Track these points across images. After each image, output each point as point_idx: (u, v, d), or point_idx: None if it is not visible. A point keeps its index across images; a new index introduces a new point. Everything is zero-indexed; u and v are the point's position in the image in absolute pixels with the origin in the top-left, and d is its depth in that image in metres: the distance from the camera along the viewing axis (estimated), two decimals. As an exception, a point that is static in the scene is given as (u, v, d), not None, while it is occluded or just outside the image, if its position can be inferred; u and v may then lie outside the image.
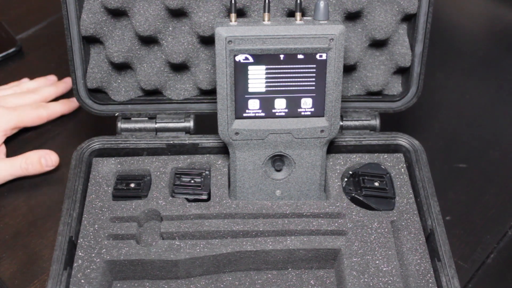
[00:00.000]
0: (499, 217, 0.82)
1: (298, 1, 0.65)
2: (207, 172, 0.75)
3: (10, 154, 0.85)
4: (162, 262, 0.68)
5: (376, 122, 0.79)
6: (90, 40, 0.76)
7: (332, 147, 0.77)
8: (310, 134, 0.70)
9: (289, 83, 0.68)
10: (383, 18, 0.74)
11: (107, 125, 0.81)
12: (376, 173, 0.75)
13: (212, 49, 0.76)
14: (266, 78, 0.67)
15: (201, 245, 0.69)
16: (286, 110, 0.69)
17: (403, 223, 0.71)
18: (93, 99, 0.77)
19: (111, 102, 0.78)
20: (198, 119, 0.79)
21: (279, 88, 0.68)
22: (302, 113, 0.69)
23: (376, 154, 0.78)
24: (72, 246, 0.68)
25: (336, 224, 0.70)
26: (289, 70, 0.67)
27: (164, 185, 0.74)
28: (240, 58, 0.66)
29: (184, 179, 0.74)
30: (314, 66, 0.67)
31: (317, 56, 0.66)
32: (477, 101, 0.98)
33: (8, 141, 0.88)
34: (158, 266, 0.68)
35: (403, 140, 0.78)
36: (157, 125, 0.78)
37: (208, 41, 0.75)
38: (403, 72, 0.79)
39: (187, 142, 0.77)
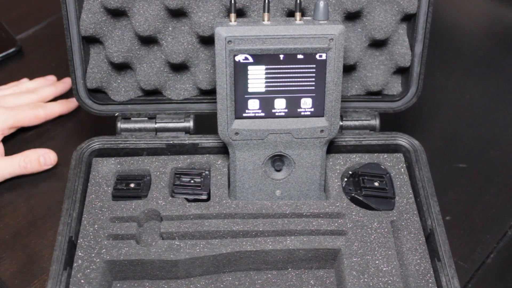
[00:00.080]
0: (499, 217, 0.82)
1: (298, 1, 0.65)
2: (207, 172, 0.75)
3: (9, 154, 0.85)
4: (162, 262, 0.68)
5: (376, 122, 0.79)
6: (90, 40, 0.76)
7: (332, 147, 0.77)
8: (310, 134, 0.70)
9: (288, 83, 0.68)
10: (383, 18, 0.74)
11: (107, 125, 0.81)
12: (376, 173, 0.75)
13: (212, 49, 0.76)
14: (266, 78, 0.67)
15: (201, 245, 0.69)
16: (286, 110, 0.69)
17: (403, 223, 0.71)
18: (93, 99, 0.77)
19: (111, 102, 0.78)
20: (198, 119, 0.79)
21: (279, 88, 0.68)
22: (302, 113, 0.69)
23: (376, 154, 0.78)
24: (72, 246, 0.68)
25: (336, 224, 0.70)
26: (288, 70, 0.67)
27: (164, 185, 0.74)
28: (239, 58, 0.66)
29: (184, 179, 0.74)
30: (314, 66, 0.67)
31: (317, 56, 0.66)
32: (477, 101, 0.98)
33: (7, 141, 0.88)
34: (158, 266, 0.68)
35: (403, 140, 0.78)
36: (157, 125, 0.78)
37: (208, 41, 0.75)
38: (403, 72, 0.79)
39: (187, 142, 0.77)
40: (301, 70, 0.67)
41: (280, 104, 0.69)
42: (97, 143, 0.77)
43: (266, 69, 0.67)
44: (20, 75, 0.97)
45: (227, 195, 0.73)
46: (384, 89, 0.79)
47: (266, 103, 0.69)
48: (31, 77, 0.96)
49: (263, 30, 0.65)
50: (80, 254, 0.68)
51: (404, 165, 0.77)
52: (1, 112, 0.86)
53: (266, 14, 0.65)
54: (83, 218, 0.71)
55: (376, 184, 0.74)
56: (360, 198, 0.73)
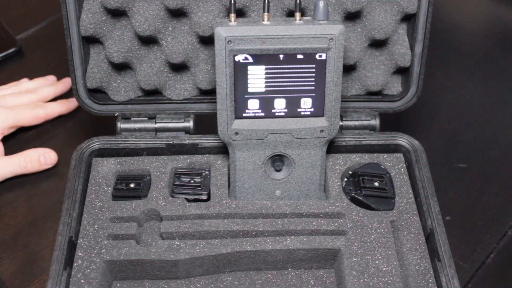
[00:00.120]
0: (499, 217, 0.82)
1: (298, 1, 0.65)
2: (207, 172, 0.75)
3: (9, 153, 0.85)
4: (162, 262, 0.68)
5: (376, 122, 0.79)
6: (90, 40, 0.76)
7: (332, 147, 0.77)
8: (309, 134, 0.70)
9: (288, 83, 0.68)
10: (383, 18, 0.74)
11: (107, 125, 0.81)
12: (376, 173, 0.75)
13: (211, 49, 0.76)
14: (266, 78, 0.67)
15: (201, 245, 0.69)
16: (286, 110, 0.69)
17: (403, 223, 0.71)
18: (93, 99, 0.77)
19: (110, 102, 0.78)
20: (198, 119, 0.79)
21: (278, 88, 0.68)
22: (302, 113, 0.69)
23: (376, 154, 0.78)
24: (72, 246, 0.68)
25: (336, 224, 0.70)
26: (288, 70, 0.67)
27: (164, 185, 0.74)
28: (239, 58, 0.66)
29: (184, 179, 0.74)
30: (314, 66, 0.67)
31: (317, 56, 0.66)
32: (477, 101, 0.98)
33: (7, 141, 0.88)
34: (158, 266, 0.68)
35: (403, 140, 0.78)
36: (157, 125, 0.78)
37: (207, 41, 0.75)
38: (403, 72, 0.79)
39: (187, 142, 0.77)
40: (301, 70, 0.67)
41: (280, 104, 0.69)
42: (97, 143, 0.77)
43: (266, 69, 0.67)
44: (20, 75, 0.97)
45: (227, 195, 0.73)
46: (384, 89, 0.79)
47: (266, 103, 0.69)
48: (31, 77, 0.96)
49: (263, 30, 0.65)
50: (80, 254, 0.68)
51: (404, 165, 0.77)
52: (1, 111, 0.86)
53: (266, 14, 0.65)
54: (83, 218, 0.71)
55: (376, 184, 0.74)
56: (360, 198, 0.73)
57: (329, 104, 0.68)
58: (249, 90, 0.68)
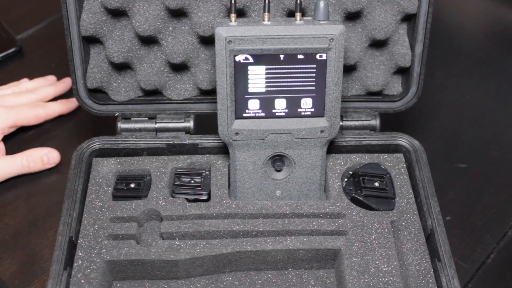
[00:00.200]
0: (499, 217, 0.82)
1: (298, 1, 0.65)
2: (207, 172, 0.75)
3: (10, 153, 0.85)
4: (162, 262, 0.68)
5: (376, 122, 0.79)
6: (90, 40, 0.76)
7: (332, 147, 0.77)
8: (310, 134, 0.70)
9: (289, 83, 0.68)
10: (383, 18, 0.74)
11: (107, 125, 0.81)
12: (376, 173, 0.75)
13: (212, 49, 0.76)
14: (266, 78, 0.67)
15: (201, 245, 0.69)
16: (286, 110, 0.69)
17: (403, 223, 0.71)
18: (93, 99, 0.77)
19: (111, 102, 0.78)
20: (198, 119, 0.79)
21: (279, 88, 0.68)
22: (302, 113, 0.69)
23: (376, 154, 0.78)
24: (72, 246, 0.68)
25: (336, 224, 0.70)
26: (289, 70, 0.67)
27: (164, 185, 0.74)
28: (240, 58, 0.66)
29: (184, 179, 0.74)
30: (314, 66, 0.67)
31: (317, 56, 0.66)
32: (477, 101, 0.98)
33: (8, 140, 0.88)
34: (158, 266, 0.68)
35: (403, 140, 0.78)
36: (157, 125, 0.78)
37: (208, 41, 0.75)
38: (403, 72, 0.79)
39: (187, 142, 0.77)
40: (302, 70, 0.67)
41: (280, 104, 0.69)
42: (97, 143, 0.77)
43: (267, 69, 0.67)
44: (20, 75, 0.97)
45: (227, 195, 0.73)
46: (384, 89, 0.79)
47: (267, 103, 0.69)
48: (31, 77, 0.96)
49: (264, 30, 0.65)
50: (80, 254, 0.68)
51: (404, 165, 0.77)
52: (1, 111, 0.86)
53: (266, 14, 0.65)
54: (83, 218, 0.71)
55: (376, 184, 0.74)
56: (360, 198, 0.73)
57: (330, 104, 0.68)
58: (250, 90, 0.68)
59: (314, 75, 0.67)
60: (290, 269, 0.71)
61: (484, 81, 1.02)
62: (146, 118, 0.79)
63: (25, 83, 0.95)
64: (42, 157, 0.84)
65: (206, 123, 0.78)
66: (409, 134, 0.79)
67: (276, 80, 0.67)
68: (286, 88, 0.68)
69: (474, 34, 1.11)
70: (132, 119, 0.79)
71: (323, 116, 0.69)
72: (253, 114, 0.69)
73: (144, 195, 0.73)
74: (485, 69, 1.04)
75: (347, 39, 0.76)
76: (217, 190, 0.73)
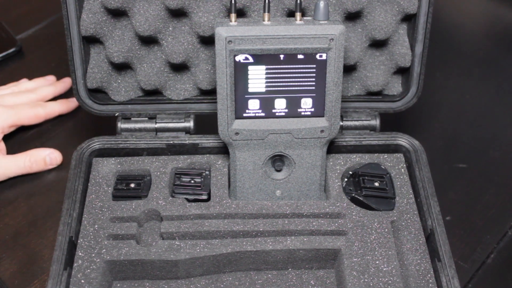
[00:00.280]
0: (499, 217, 0.82)
1: (298, 1, 0.65)
2: (207, 172, 0.75)
3: (10, 153, 0.85)
4: (162, 262, 0.68)
5: (376, 122, 0.79)
6: (90, 40, 0.76)
7: (332, 147, 0.77)
8: (310, 134, 0.70)
9: (289, 83, 0.68)
10: (383, 18, 0.74)
11: (107, 125, 0.81)
12: (376, 173, 0.75)
13: (212, 49, 0.76)
14: (266, 78, 0.67)
15: (201, 245, 0.69)
16: (286, 110, 0.69)
17: (403, 223, 0.71)
18: (93, 99, 0.77)
19: (111, 102, 0.78)
20: (198, 119, 0.79)
21: (279, 88, 0.68)
22: (302, 113, 0.69)
23: (376, 154, 0.78)
24: (72, 246, 0.68)
25: (336, 224, 0.70)
26: (289, 70, 0.67)
27: (164, 185, 0.74)
28: (240, 58, 0.66)
29: (184, 179, 0.74)
30: (314, 66, 0.67)
31: (317, 56, 0.66)
32: (477, 101, 0.98)
33: (8, 140, 0.88)
34: (158, 266, 0.68)
35: (403, 140, 0.78)
36: (157, 125, 0.78)
37: (208, 41, 0.75)
38: (403, 72, 0.79)
39: (187, 142, 0.77)
40: (302, 70, 0.67)
41: (280, 104, 0.69)
42: (97, 143, 0.77)
43: (267, 69, 0.67)
44: (20, 75, 0.97)
45: (227, 195, 0.73)
46: (385, 89, 0.79)
47: (267, 103, 0.69)
48: (31, 77, 0.96)
49: (264, 30, 0.65)
50: (80, 254, 0.68)
51: (404, 165, 0.77)
52: (1, 110, 0.86)
53: (266, 14, 0.65)
54: (83, 218, 0.71)
55: (377, 184, 0.74)
56: (360, 198, 0.73)
57: (330, 104, 0.68)
58: (250, 90, 0.68)
59: (314, 75, 0.67)
60: (290, 269, 0.71)
61: (484, 81, 1.02)
62: (146, 118, 0.79)
63: (24, 83, 0.95)
64: (44, 158, 0.84)
65: (206, 123, 0.78)
66: (409, 134, 0.79)
67: (276, 80, 0.67)
68: (286, 88, 0.68)
69: (474, 34, 1.11)
70: (132, 119, 0.79)
71: (323, 116, 0.69)
72: (253, 114, 0.69)
73: (144, 195, 0.73)
74: (485, 69, 1.04)
75: (347, 39, 0.76)
76: (217, 190, 0.73)
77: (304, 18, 0.66)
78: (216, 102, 0.68)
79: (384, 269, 0.67)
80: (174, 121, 0.78)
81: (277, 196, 0.73)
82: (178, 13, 0.74)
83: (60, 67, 0.99)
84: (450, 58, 1.05)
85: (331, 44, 0.65)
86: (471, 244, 0.79)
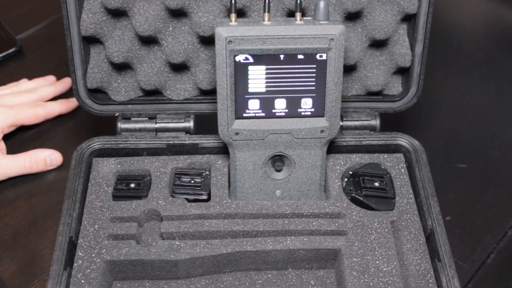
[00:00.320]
0: (499, 217, 0.82)
1: (298, 1, 0.65)
2: (207, 172, 0.75)
3: (10, 153, 0.85)
4: (162, 262, 0.68)
5: (376, 122, 0.79)
6: (90, 40, 0.76)
7: (332, 147, 0.77)
8: (310, 134, 0.70)
9: (289, 83, 0.68)
10: (383, 18, 0.74)
11: (107, 125, 0.81)
12: (376, 173, 0.75)
13: (212, 49, 0.76)
14: (266, 78, 0.67)
15: (201, 245, 0.69)
16: (286, 110, 0.69)
17: (403, 223, 0.71)
18: (93, 99, 0.77)
19: (111, 102, 0.78)
20: (198, 119, 0.79)
21: (279, 88, 0.68)
22: (302, 113, 0.69)
23: (376, 154, 0.78)
24: (72, 246, 0.68)
25: (336, 224, 0.70)
26: (289, 70, 0.67)
27: (164, 185, 0.74)
28: (240, 58, 0.66)
29: (184, 179, 0.74)
30: (314, 66, 0.67)
31: (317, 56, 0.66)
32: (477, 101, 0.98)
33: (8, 140, 0.88)
34: (158, 266, 0.68)
35: (403, 140, 0.78)
36: (157, 125, 0.78)
37: (208, 41, 0.75)
38: (403, 72, 0.79)
39: (187, 142, 0.77)
40: (302, 70, 0.67)
41: (280, 104, 0.69)
42: (97, 143, 0.77)
43: (267, 69, 0.67)
44: (20, 75, 0.97)
45: (227, 195, 0.73)
46: (384, 89, 0.79)
47: (267, 103, 0.69)
48: (31, 77, 0.96)
49: (264, 30, 0.65)
50: (80, 254, 0.68)
51: (404, 165, 0.77)
52: (1, 110, 0.86)
53: (266, 14, 0.65)
54: (83, 218, 0.71)
55: (377, 184, 0.74)
56: (360, 198, 0.73)
57: (330, 104, 0.68)
58: (250, 90, 0.68)
59: (314, 75, 0.67)
60: (290, 269, 0.71)
61: (484, 81, 1.02)
62: (146, 118, 0.79)
63: (24, 83, 0.95)
64: (45, 159, 0.84)
65: (206, 123, 0.78)
66: (409, 134, 0.79)
67: (276, 80, 0.67)
68: (286, 88, 0.68)
69: (474, 34, 1.11)
70: (132, 119, 0.79)
71: (323, 116, 0.69)
72: (253, 114, 0.69)
73: (144, 195, 0.73)
74: (485, 69, 1.04)
75: (347, 39, 0.76)
76: (217, 190, 0.73)
77: (304, 18, 0.66)
78: (216, 102, 0.68)
79: (384, 269, 0.67)
80: (174, 121, 0.78)
81: (277, 196, 0.73)
82: (178, 13, 0.74)
83: (60, 67, 0.99)
84: (450, 58, 1.05)
85: (331, 44, 0.65)
86: (471, 244, 0.79)
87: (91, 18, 0.73)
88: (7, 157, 0.84)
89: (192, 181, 0.74)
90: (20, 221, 0.80)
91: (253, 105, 0.68)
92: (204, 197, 0.73)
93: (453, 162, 0.89)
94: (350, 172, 0.76)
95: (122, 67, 0.78)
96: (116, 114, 0.78)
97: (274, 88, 0.68)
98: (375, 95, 0.80)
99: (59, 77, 0.96)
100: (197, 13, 0.73)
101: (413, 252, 0.69)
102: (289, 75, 0.67)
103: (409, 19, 0.76)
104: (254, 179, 0.72)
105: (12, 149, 0.86)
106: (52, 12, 1.10)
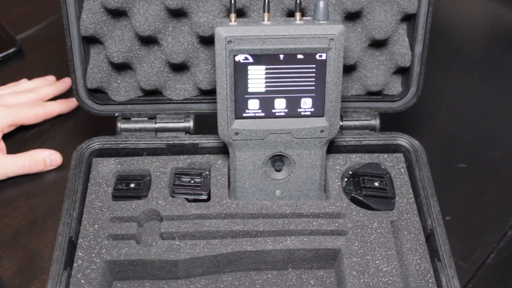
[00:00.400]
0: (499, 217, 0.82)
1: (298, 1, 0.65)
2: (207, 172, 0.75)
3: (10, 153, 0.85)
4: (162, 262, 0.68)
5: (376, 122, 0.79)
6: (90, 40, 0.76)
7: (332, 147, 0.77)
8: (310, 134, 0.70)
9: (289, 83, 0.68)
10: (383, 18, 0.74)
11: (107, 125, 0.81)
12: (376, 173, 0.75)
13: (212, 49, 0.76)
14: (266, 78, 0.67)
15: (201, 245, 0.69)
16: (286, 110, 0.69)
17: (403, 223, 0.71)
18: (93, 99, 0.77)
19: (111, 102, 0.78)
20: (198, 119, 0.79)
21: (279, 88, 0.68)
22: (302, 113, 0.69)
23: (376, 154, 0.78)
24: (72, 246, 0.68)
25: (336, 224, 0.70)
26: (289, 70, 0.67)
27: (164, 185, 0.74)
28: (240, 58, 0.66)
29: (184, 179, 0.74)
30: (314, 66, 0.67)
31: (317, 56, 0.66)
32: (477, 101, 0.98)
33: (8, 140, 0.88)
34: (158, 266, 0.68)
35: (403, 140, 0.78)
36: (157, 125, 0.78)
37: (208, 41, 0.75)
38: (403, 72, 0.79)
39: (187, 142, 0.77)
40: (301, 70, 0.67)
41: (280, 104, 0.69)
42: (97, 143, 0.77)
43: (266, 69, 0.67)
44: (20, 75, 0.97)
45: (227, 195, 0.73)
46: (384, 89, 0.79)
47: (266, 103, 0.69)
48: (31, 77, 0.96)
49: (263, 30, 0.65)
50: (80, 254, 0.68)
51: (404, 165, 0.77)
52: (0, 110, 0.86)
53: (266, 14, 0.65)
54: (83, 218, 0.71)
55: (376, 184, 0.74)
56: (360, 198, 0.73)
57: (329, 104, 0.68)
58: (249, 90, 0.68)
59: (314, 75, 0.67)
60: (290, 269, 0.71)
61: (484, 81, 1.02)
62: (146, 118, 0.79)
63: (24, 83, 0.95)
64: (45, 159, 0.84)
65: (206, 123, 0.78)
66: (409, 134, 0.79)
67: (276, 80, 0.67)
68: (286, 88, 0.68)
69: (474, 34, 1.11)
70: (132, 119, 0.79)
71: (323, 116, 0.69)
72: (253, 114, 0.69)
73: (144, 195, 0.73)
74: (485, 69, 1.04)
75: (347, 39, 0.76)
76: (217, 190, 0.73)
77: (304, 18, 0.66)
78: (216, 102, 0.68)
79: (384, 269, 0.67)
80: (174, 121, 0.78)
81: (277, 196, 0.73)
82: (178, 13, 0.74)
83: (60, 67, 0.99)
84: (450, 58, 1.05)
85: (330, 44, 0.65)
86: (471, 244, 0.79)
87: (91, 18, 0.73)
88: (7, 157, 0.84)
89: (192, 181, 0.74)
90: (20, 221, 0.80)
91: (253, 105, 0.68)
92: (204, 197, 0.73)
93: (453, 162, 0.89)
94: (350, 172, 0.76)
95: (122, 67, 0.78)
96: (116, 114, 0.78)
97: (273, 88, 0.68)
98: (375, 95, 0.80)
99: (59, 77, 0.97)
100: (197, 13, 0.73)
101: (413, 252, 0.69)
102: (288, 75, 0.67)
103: (409, 19, 0.76)
104: (254, 179, 0.72)
105: (12, 149, 0.86)
106: (52, 12, 1.10)
